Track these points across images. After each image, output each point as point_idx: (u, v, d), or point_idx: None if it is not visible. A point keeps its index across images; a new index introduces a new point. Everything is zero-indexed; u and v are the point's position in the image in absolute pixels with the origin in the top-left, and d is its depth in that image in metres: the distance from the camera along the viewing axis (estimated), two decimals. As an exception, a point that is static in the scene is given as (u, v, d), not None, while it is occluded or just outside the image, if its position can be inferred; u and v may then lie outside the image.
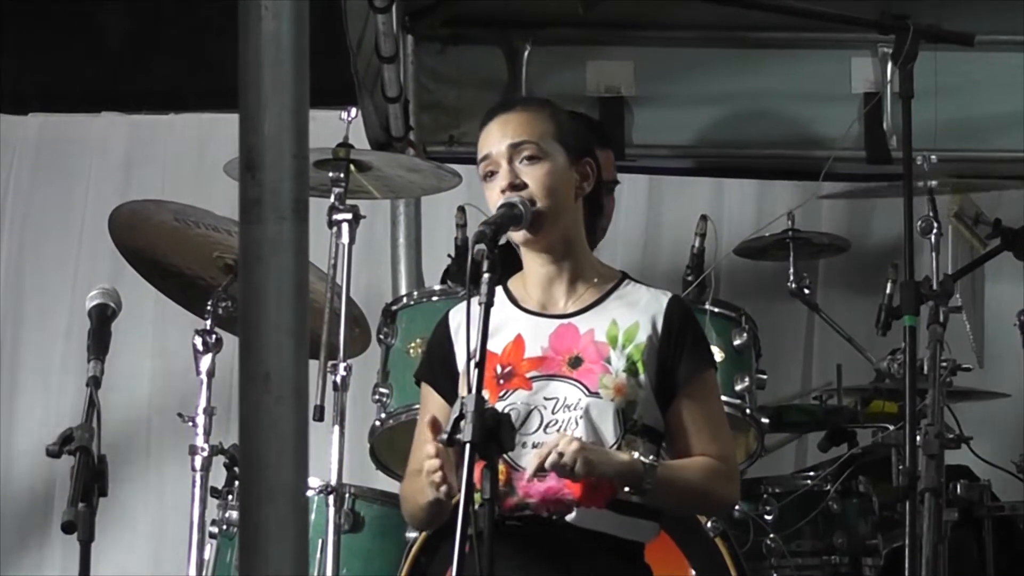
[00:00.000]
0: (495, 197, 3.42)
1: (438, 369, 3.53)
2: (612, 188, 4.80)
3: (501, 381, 3.40)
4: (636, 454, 3.32)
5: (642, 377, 3.39)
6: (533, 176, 3.41)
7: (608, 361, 3.40)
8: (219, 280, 4.43)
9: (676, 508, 3.58)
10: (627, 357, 3.40)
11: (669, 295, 3.50)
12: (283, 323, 1.91)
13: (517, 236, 3.42)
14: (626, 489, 3.32)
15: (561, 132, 3.48)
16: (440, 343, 3.55)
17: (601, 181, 3.56)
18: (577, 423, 3.35)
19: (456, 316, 3.52)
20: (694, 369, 3.44)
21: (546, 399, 3.38)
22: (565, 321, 3.45)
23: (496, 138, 3.46)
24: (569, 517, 3.33)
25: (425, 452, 3.24)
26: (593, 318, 3.45)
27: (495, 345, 3.37)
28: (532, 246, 3.46)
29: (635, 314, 3.44)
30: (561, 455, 3.23)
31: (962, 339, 4.95)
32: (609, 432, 3.36)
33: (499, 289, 3.33)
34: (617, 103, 5.82)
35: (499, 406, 3.30)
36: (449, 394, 3.47)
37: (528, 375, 3.41)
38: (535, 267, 3.49)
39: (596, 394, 3.37)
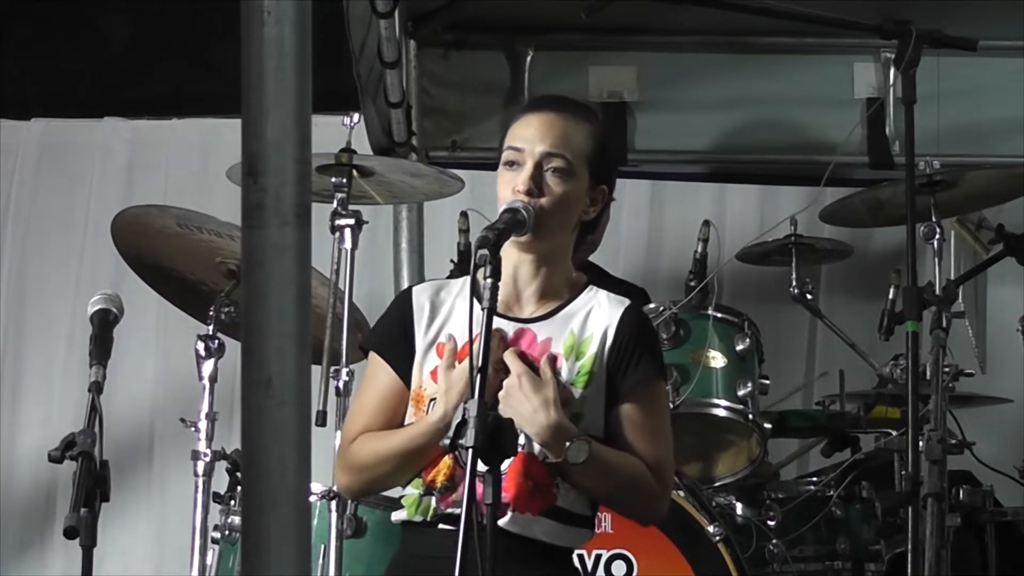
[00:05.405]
0: (507, 191, 3.38)
1: (394, 343, 3.47)
2: (608, 205, 4.78)
3: None
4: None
5: (591, 389, 3.37)
6: (554, 190, 3.37)
7: (559, 372, 3.36)
8: (221, 285, 4.43)
9: (600, 494, 3.40)
10: (579, 369, 3.37)
11: (626, 304, 3.44)
12: (285, 328, 1.91)
13: None
14: (551, 459, 3.28)
15: (593, 154, 3.43)
16: (399, 319, 3.48)
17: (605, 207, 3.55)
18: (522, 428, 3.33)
19: (420, 297, 3.48)
20: (640, 378, 3.38)
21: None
22: (525, 326, 3.42)
23: (534, 136, 3.40)
24: (502, 521, 3.27)
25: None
26: (552, 326, 3.41)
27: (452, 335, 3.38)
28: (518, 246, 3.40)
29: (592, 325, 3.41)
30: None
31: (964, 344, 4.95)
32: None
33: (466, 281, 3.28)
34: (619, 108, 5.82)
35: None
36: (402, 368, 3.43)
37: None
38: (510, 264, 3.39)
39: None
